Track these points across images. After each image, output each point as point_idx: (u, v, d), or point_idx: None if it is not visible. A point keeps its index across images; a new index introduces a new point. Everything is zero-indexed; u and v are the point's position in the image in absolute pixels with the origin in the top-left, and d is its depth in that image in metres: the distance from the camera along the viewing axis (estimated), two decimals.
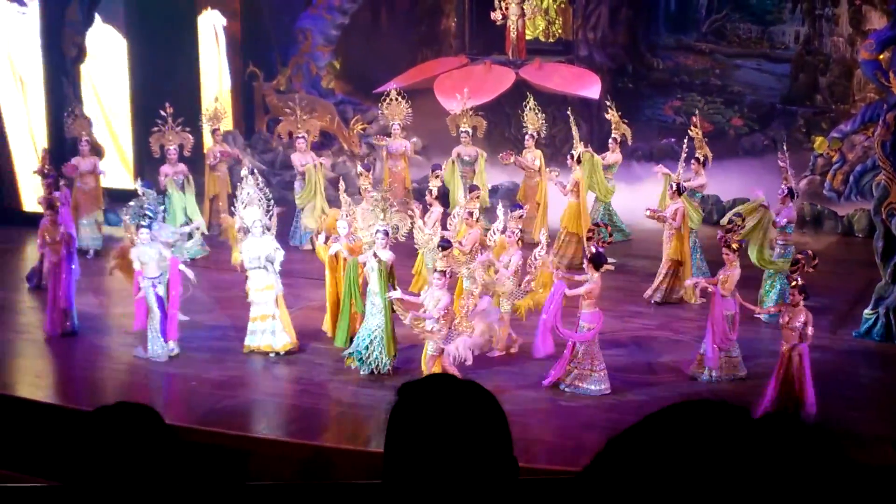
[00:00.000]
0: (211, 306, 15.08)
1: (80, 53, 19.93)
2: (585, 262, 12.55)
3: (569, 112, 18.36)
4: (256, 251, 13.43)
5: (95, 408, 3.12)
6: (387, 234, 12.80)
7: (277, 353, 13.42)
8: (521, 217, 13.92)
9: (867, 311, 14.06)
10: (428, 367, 12.02)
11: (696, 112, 18.79)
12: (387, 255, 12.67)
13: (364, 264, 13.00)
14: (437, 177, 16.22)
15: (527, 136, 18.51)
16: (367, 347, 12.65)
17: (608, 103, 18.76)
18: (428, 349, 12.13)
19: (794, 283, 11.59)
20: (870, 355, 13.67)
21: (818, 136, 20.76)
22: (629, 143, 18.48)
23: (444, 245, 12.49)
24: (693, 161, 16.62)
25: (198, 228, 15.87)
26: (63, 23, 19.39)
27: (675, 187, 15.58)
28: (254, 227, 13.42)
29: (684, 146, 16.41)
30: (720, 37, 23.35)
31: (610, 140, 18.31)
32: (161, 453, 3.05)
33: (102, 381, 13.14)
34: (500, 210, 13.79)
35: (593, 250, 12.50)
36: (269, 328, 13.48)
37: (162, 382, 13.01)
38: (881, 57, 19.09)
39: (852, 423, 11.48)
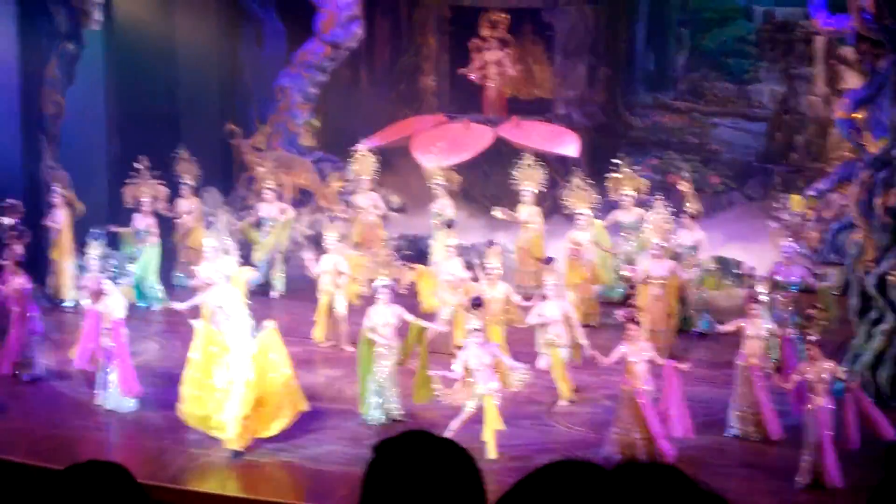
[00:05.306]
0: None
1: (60, 111, 19.85)
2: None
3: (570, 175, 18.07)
4: (219, 300, 13.55)
5: (66, 466, 3.09)
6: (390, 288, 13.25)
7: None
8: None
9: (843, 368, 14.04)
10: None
11: (684, 168, 18.75)
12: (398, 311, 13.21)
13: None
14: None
15: (526, 192, 17.89)
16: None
17: (617, 160, 18.11)
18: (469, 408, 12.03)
19: (810, 339, 11.69)
20: None
21: (794, 195, 20.87)
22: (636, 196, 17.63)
23: (477, 303, 13.01)
24: (684, 217, 16.48)
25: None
26: (42, 81, 19.30)
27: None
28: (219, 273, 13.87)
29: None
30: (697, 95, 23.55)
31: (623, 197, 17.51)
32: None
33: (74, 438, 13.01)
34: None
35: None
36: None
37: (135, 439, 12.91)
38: (857, 116, 19.25)
39: None
